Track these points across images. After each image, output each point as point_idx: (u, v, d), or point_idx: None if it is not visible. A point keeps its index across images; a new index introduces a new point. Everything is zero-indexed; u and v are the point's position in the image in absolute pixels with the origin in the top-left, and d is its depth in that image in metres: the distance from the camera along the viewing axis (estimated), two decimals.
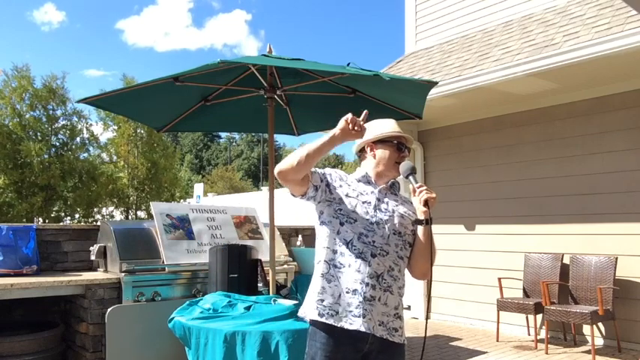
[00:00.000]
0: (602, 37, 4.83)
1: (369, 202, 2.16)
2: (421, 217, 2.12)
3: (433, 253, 2.14)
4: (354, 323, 2.05)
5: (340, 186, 2.19)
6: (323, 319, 2.07)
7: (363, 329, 2.05)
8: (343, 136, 2.00)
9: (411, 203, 2.21)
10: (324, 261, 2.13)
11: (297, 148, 2.17)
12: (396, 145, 2.24)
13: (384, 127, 2.28)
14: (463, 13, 7.23)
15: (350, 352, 2.07)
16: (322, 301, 2.09)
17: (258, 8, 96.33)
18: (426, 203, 2.07)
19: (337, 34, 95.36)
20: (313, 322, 2.13)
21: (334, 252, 2.12)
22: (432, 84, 3.68)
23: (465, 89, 5.91)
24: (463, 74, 5.94)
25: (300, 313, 2.21)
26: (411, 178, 2.14)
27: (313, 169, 2.14)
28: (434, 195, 2.08)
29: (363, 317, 2.05)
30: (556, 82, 5.66)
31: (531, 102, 6.31)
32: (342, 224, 2.12)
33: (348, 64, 3.43)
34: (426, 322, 2.22)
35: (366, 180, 2.24)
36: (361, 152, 2.31)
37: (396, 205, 2.20)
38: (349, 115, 1.98)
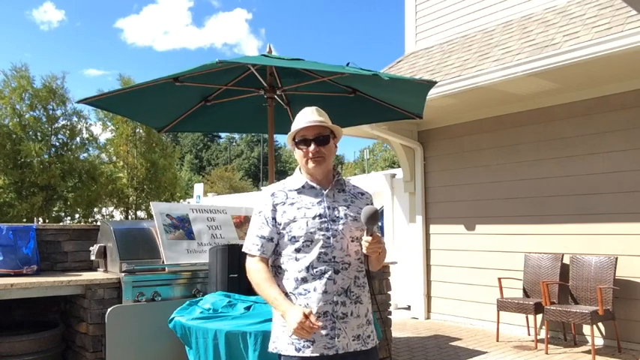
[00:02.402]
0: (602, 37, 4.83)
1: (320, 215, 2.03)
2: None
3: (379, 264, 2.11)
4: (331, 347, 1.98)
5: (285, 212, 2.05)
6: (300, 354, 1.97)
7: (340, 351, 1.99)
8: (289, 330, 1.95)
9: (362, 195, 2.16)
10: (289, 292, 2.03)
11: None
12: (298, 143, 2.08)
13: (294, 124, 2.12)
14: (463, 13, 7.23)
15: None
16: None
17: (259, 7, 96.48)
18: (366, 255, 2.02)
19: (337, 34, 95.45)
20: (289, 358, 2.01)
21: (296, 280, 2.02)
22: (431, 83, 3.68)
23: (465, 89, 5.91)
24: (463, 74, 5.94)
25: (272, 349, 2.09)
26: (367, 226, 1.99)
27: (263, 239, 2.07)
28: (373, 252, 2.00)
29: (338, 337, 1.99)
30: (556, 82, 5.66)
31: (531, 102, 6.31)
32: (298, 250, 2.02)
33: (348, 64, 3.44)
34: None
35: (309, 186, 2.11)
36: None
37: (347, 207, 2.09)
38: (307, 322, 1.87)
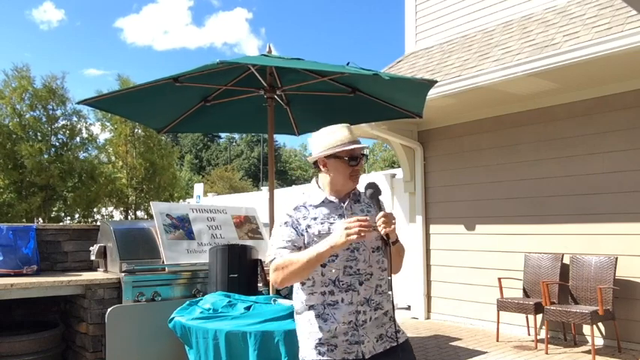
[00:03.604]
0: (602, 37, 4.83)
1: None
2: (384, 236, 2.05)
3: (401, 260, 2.15)
4: (352, 352, 2.06)
5: (308, 227, 2.09)
6: (324, 357, 2.07)
7: (367, 356, 2.07)
8: (345, 244, 1.93)
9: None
10: (318, 304, 2.10)
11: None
12: (349, 160, 2.12)
13: (335, 137, 2.14)
14: (463, 13, 7.23)
15: None
16: (320, 340, 2.07)
17: (259, 6, 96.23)
18: (386, 234, 2.01)
19: (337, 34, 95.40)
20: None
21: (323, 294, 2.08)
22: (432, 83, 3.68)
23: (465, 89, 5.91)
24: (463, 74, 5.94)
25: (300, 358, 2.17)
26: (373, 202, 2.10)
27: (292, 244, 2.07)
28: (392, 228, 2.00)
29: (362, 344, 2.07)
30: (556, 82, 5.67)
31: (531, 102, 6.31)
32: (323, 265, 2.06)
33: (348, 64, 3.44)
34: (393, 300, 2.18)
35: (328, 201, 2.15)
36: (315, 164, 2.21)
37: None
38: (351, 222, 1.88)
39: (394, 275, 2.14)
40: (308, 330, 2.11)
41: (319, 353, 2.07)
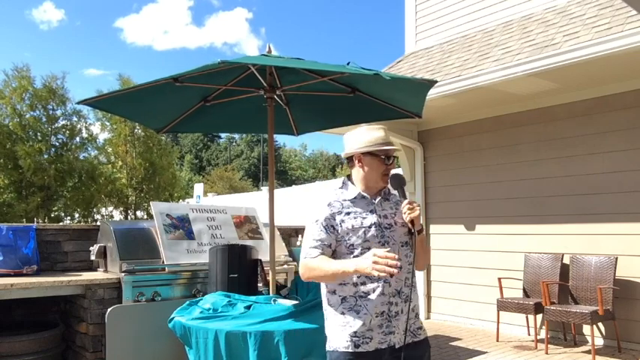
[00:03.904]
0: (602, 37, 4.83)
1: (374, 224, 2.21)
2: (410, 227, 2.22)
3: (427, 254, 2.29)
4: (385, 342, 2.17)
5: (342, 221, 2.21)
6: (359, 350, 2.15)
7: (397, 346, 2.18)
8: (368, 274, 2.01)
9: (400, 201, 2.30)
10: (350, 295, 2.19)
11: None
12: (384, 159, 2.27)
13: (373, 136, 2.28)
14: (463, 13, 7.23)
15: None
16: (355, 332, 2.16)
17: (259, 6, 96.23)
18: (411, 221, 2.16)
19: (337, 34, 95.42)
20: (346, 354, 2.17)
21: (355, 285, 2.18)
22: (431, 83, 3.67)
23: (465, 89, 5.91)
24: (463, 74, 5.94)
25: (329, 348, 2.24)
26: (398, 191, 2.26)
27: (322, 244, 2.18)
28: (417, 214, 2.16)
29: (393, 334, 2.18)
30: (556, 82, 5.66)
31: (531, 102, 6.31)
32: (357, 258, 2.15)
33: (348, 64, 3.43)
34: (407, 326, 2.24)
35: (360, 197, 2.27)
36: (349, 159, 2.33)
37: (394, 215, 2.27)
38: (379, 253, 1.96)
39: (420, 270, 2.30)
40: (342, 321, 2.19)
41: (355, 345, 2.16)
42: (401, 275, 2.20)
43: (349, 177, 2.34)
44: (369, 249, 2.12)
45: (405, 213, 2.16)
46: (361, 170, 2.28)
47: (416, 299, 2.29)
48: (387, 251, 1.99)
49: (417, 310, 2.30)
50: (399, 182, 2.27)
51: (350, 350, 2.16)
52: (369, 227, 2.20)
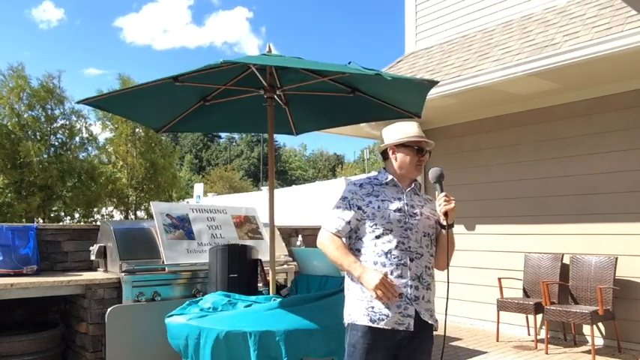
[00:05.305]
0: (602, 37, 4.83)
1: (400, 210, 2.34)
2: (443, 221, 2.34)
3: (452, 250, 2.37)
4: (403, 324, 2.25)
5: (370, 202, 2.34)
6: (375, 325, 2.24)
7: (411, 328, 2.26)
8: (369, 289, 2.22)
9: (430, 201, 2.45)
10: None
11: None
12: (417, 150, 2.41)
13: (405, 130, 2.43)
14: (463, 13, 7.23)
15: (393, 344, 2.28)
16: (373, 307, 2.25)
17: (259, 5, 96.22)
18: (445, 213, 2.29)
19: (337, 33, 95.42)
20: (363, 327, 2.27)
21: (375, 263, 2.28)
22: (432, 83, 3.67)
23: (465, 89, 5.91)
24: (463, 74, 5.94)
25: (347, 320, 2.34)
26: (437, 185, 2.41)
27: (343, 220, 2.34)
28: (452, 206, 2.29)
29: (412, 317, 2.26)
30: (556, 82, 5.67)
31: (531, 102, 6.31)
32: (378, 237, 2.30)
33: (349, 63, 3.43)
34: (445, 320, 2.32)
35: (393, 184, 2.42)
36: (384, 152, 2.48)
37: (422, 207, 2.42)
38: (385, 284, 2.19)
39: (442, 270, 2.42)
40: (361, 295, 2.29)
41: (371, 320, 2.25)
42: (421, 262, 2.30)
43: (385, 169, 2.49)
44: (391, 231, 2.27)
45: (440, 205, 2.28)
46: (394, 161, 2.43)
47: (434, 290, 2.39)
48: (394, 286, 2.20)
49: (433, 299, 2.38)
50: (438, 176, 2.41)
51: (366, 324, 2.24)
52: (394, 211, 2.31)
